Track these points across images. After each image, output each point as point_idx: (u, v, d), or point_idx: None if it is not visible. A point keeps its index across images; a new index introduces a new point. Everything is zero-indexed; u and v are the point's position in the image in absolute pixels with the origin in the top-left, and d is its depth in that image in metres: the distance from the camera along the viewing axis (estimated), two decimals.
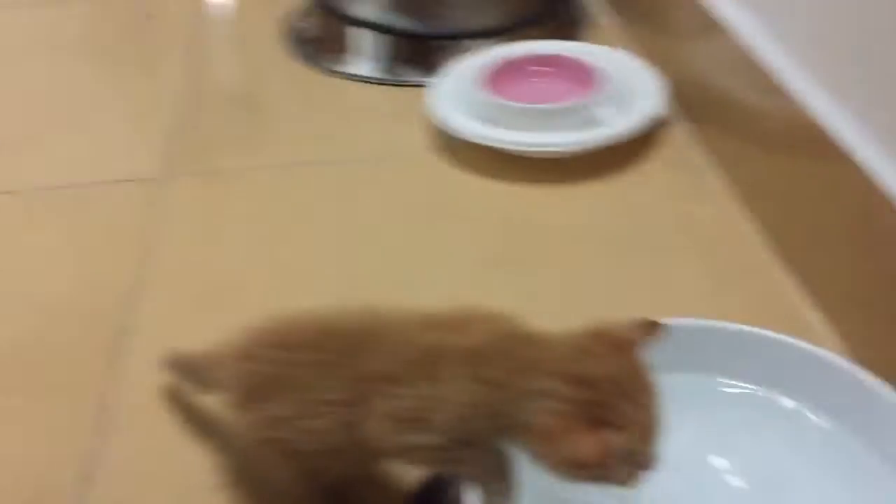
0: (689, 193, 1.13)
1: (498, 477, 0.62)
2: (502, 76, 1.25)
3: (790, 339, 0.73)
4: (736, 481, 0.69)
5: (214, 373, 0.74)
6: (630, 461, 0.57)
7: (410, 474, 0.76)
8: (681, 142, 1.22)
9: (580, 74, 1.24)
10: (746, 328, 0.74)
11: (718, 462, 0.70)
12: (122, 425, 0.85)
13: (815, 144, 0.89)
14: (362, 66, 1.43)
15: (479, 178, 1.18)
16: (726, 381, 0.74)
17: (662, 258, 1.03)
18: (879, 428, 0.67)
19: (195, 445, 0.82)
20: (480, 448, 0.60)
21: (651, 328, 0.62)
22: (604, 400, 0.56)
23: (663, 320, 0.62)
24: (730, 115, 1.13)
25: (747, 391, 0.74)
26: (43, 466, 0.81)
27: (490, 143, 1.17)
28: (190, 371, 0.79)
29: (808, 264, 0.96)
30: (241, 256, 1.06)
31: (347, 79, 1.40)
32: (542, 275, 1.02)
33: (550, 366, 0.58)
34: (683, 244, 1.05)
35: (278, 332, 0.69)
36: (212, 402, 0.81)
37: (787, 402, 0.73)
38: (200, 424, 0.84)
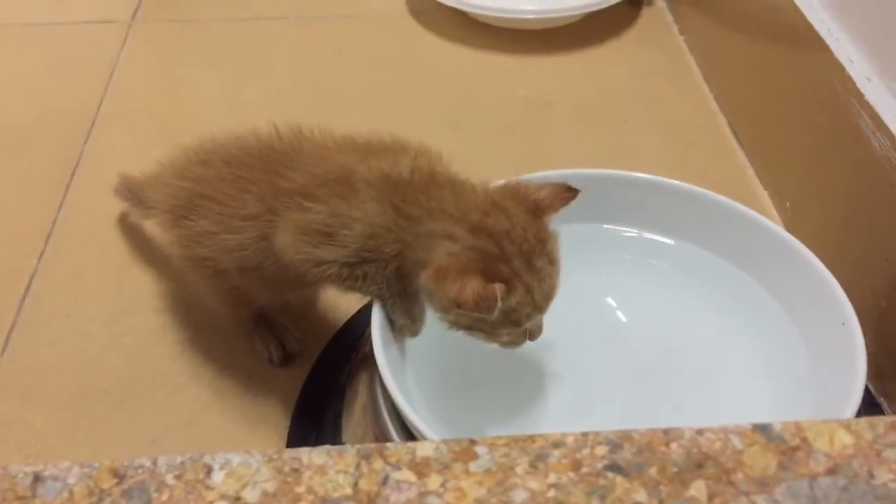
0: (661, 70, 1.12)
1: (404, 299, 0.62)
2: None
3: (669, 181, 0.71)
4: (624, 317, 0.70)
5: (150, 193, 0.76)
6: (512, 320, 0.57)
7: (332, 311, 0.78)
8: (660, 20, 1.20)
9: None
10: (631, 174, 0.72)
11: (610, 300, 0.70)
12: (67, 249, 0.87)
13: (787, 29, 0.87)
14: None
15: (452, 43, 1.16)
16: (611, 226, 0.73)
17: (626, 129, 1.03)
18: (757, 257, 0.68)
19: (137, 267, 0.85)
20: (386, 267, 0.61)
21: (568, 195, 0.60)
22: (502, 256, 0.56)
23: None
24: None
25: (632, 235, 0.73)
26: None
27: (465, 8, 1.15)
28: (132, 193, 0.81)
29: (762, 145, 0.95)
30: (198, 100, 1.06)
31: None
32: (501, 139, 1.01)
33: (460, 212, 0.57)
34: (648, 117, 1.04)
35: (204, 151, 0.69)
36: (155, 231, 0.82)
37: (669, 241, 0.72)
38: (144, 251, 0.86)
